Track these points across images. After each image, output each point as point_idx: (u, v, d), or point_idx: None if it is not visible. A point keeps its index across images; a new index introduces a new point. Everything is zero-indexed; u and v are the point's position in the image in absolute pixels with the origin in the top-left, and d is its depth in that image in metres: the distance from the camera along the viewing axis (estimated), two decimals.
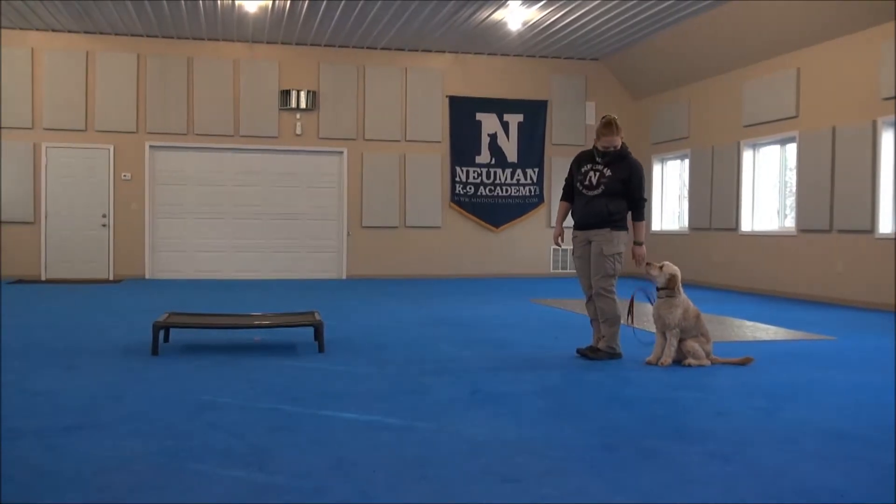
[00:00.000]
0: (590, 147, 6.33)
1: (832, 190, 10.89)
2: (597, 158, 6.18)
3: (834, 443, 3.82)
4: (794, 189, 11.92)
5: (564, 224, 6.50)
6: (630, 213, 6.21)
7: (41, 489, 3.03)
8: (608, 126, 6.08)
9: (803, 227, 11.48)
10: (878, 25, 10.11)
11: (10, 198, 13.88)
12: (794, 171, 11.83)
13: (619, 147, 6.12)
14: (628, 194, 6.13)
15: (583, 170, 6.23)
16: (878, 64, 10.11)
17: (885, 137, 10.16)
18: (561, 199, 6.58)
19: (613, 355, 6.09)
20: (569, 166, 6.47)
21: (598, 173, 6.12)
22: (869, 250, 10.31)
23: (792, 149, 12.00)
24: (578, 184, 6.22)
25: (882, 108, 10.12)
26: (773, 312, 9.69)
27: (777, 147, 12.45)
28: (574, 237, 6.31)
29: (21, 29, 13.80)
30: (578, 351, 6.22)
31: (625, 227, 6.14)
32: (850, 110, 10.64)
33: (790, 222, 12.14)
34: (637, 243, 6.21)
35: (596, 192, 6.09)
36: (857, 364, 6.11)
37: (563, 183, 6.51)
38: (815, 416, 4.37)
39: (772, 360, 6.20)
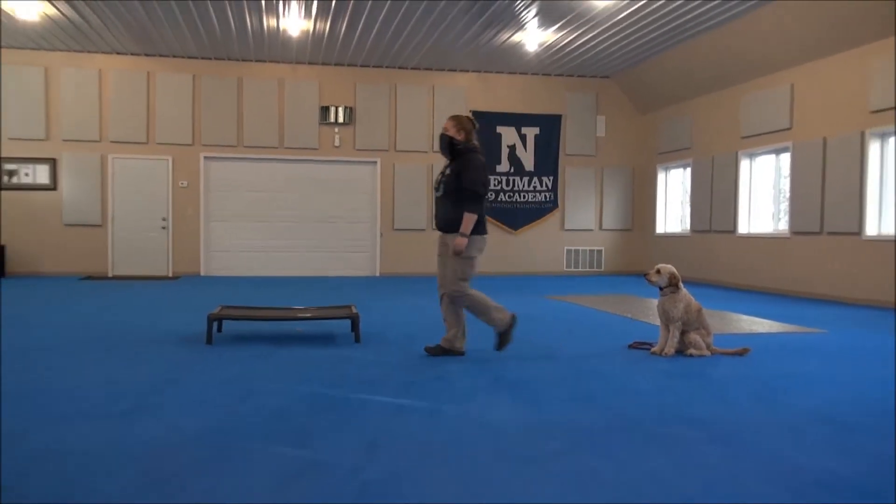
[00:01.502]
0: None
1: (823, 195, 10.76)
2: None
3: (825, 428, 3.77)
4: (787, 195, 11.79)
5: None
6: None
7: (104, 467, 3.06)
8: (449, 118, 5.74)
9: (796, 230, 11.34)
10: (868, 44, 9.98)
11: (80, 203, 14.07)
12: (788, 179, 11.70)
13: (449, 134, 5.61)
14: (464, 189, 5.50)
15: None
16: (867, 79, 9.98)
17: (873, 147, 10.02)
18: None
19: (507, 333, 5.69)
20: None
21: (442, 175, 5.68)
22: (857, 250, 10.17)
23: (786, 158, 11.86)
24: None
25: (870, 120, 9.98)
26: (768, 307, 9.58)
27: (772, 156, 12.31)
28: (439, 237, 5.80)
29: (89, 52, 13.97)
30: (427, 349, 5.80)
31: (477, 231, 5.55)
32: (841, 122, 10.50)
33: (783, 225, 12.00)
34: (461, 234, 5.47)
35: (439, 194, 5.64)
36: (846, 355, 6.02)
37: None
38: (808, 403, 4.31)
39: (767, 351, 6.12)
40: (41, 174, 13.96)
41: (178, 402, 4.17)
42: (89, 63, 14.05)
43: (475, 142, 5.71)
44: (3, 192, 13.87)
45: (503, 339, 5.76)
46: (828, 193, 10.68)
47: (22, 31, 12.68)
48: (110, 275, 14.10)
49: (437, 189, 5.69)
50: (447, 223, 5.59)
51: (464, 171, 5.50)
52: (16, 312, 8.21)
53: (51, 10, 11.50)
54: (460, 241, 5.46)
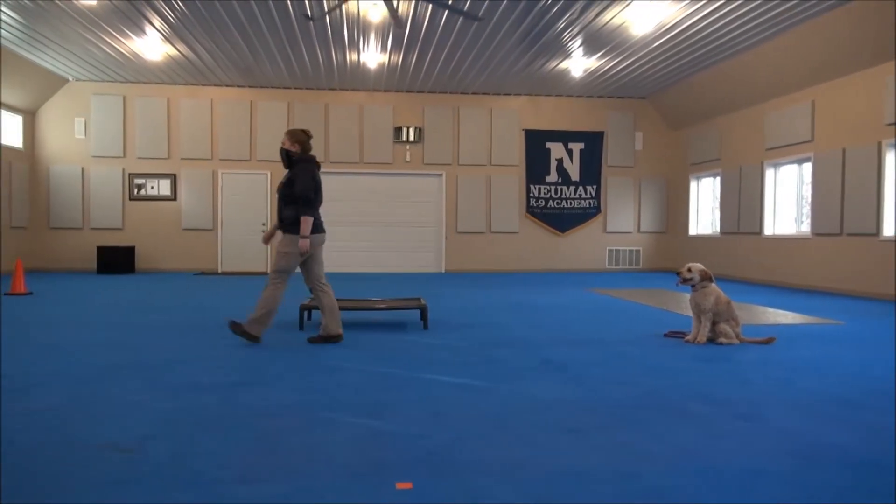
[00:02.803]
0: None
1: (842, 200, 10.34)
2: None
3: (839, 408, 3.63)
4: (808, 200, 11.37)
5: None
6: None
7: (215, 429, 3.17)
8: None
9: (817, 231, 10.93)
10: (883, 63, 9.55)
11: (195, 211, 14.55)
12: (810, 186, 11.28)
13: (285, 147, 5.47)
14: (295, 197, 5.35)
15: None
16: (882, 95, 9.55)
17: (889, 156, 9.58)
18: None
19: (251, 337, 5.35)
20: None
21: (281, 183, 5.49)
22: (874, 250, 9.74)
23: (808, 167, 11.44)
24: None
25: (886, 133, 9.54)
26: (791, 301, 9.26)
27: (795, 166, 11.89)
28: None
29: (203, 85, 14.43)
30: (310, 339, 5.57)
31: (295, 231, 5.36)
32: (858, 134, 10.07)
33: (805, 227, 11.58)
34: (300, 237, 5.34)
35: (278, 199, 5.49)
36: (860, 343, 5.78)
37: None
38: (824, 386, 4.16)
39: (789, 339, 5.93)
40: (164, 187, 14.50)
41: (275, 378, 4.26)
42: (203, 94, 14.51)
43: (311, 153, 5.58)
44: (133, 202, 14.47)
45: (239, 330, 5.40)
46: (847, 198, 10.25)
47: (149, 69, 13.20)
48: (219, 271, 14.54)
49: (278, 193, 5.50)
50: (281, 224, 5.45)
51: (296, 180, 5.35)
52: (146, 301, 8.55)
53: (172, 51, 11.93)
54: (303, 243, 5.32)
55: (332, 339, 5.56)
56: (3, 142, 13.16)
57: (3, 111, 13.13)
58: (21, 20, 10.17)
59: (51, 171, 14.20)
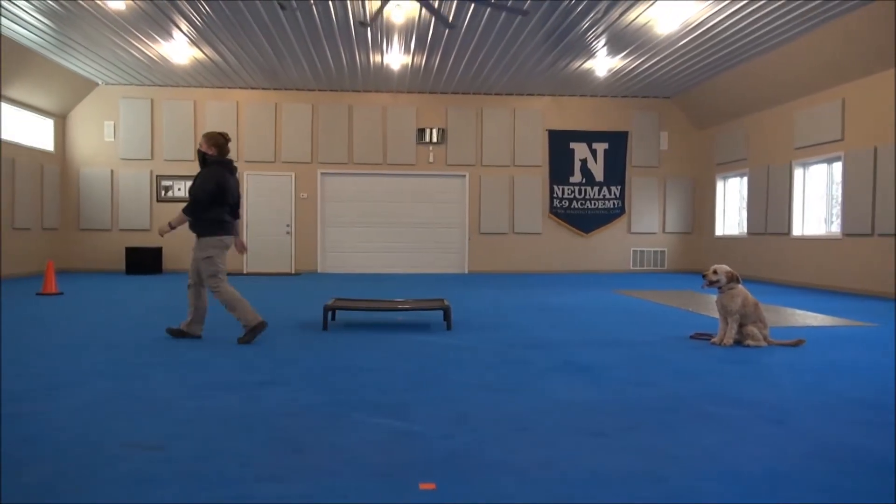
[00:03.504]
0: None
1: (873, 200, 10.13)
2: None
3: (868, 411, 3.55)
4: (839, 200, 11.15)
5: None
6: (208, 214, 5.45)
7: (239, 428, 3.19)
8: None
9: (848, 232, 10.72)
10: None
11: None
12: (840, 185, 11.07)
13: (202, 150, 5.54)
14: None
15: None
16: None
17: None
18: None
19: (255, 329, 5.47)
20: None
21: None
22: None
23: (838, 166, 11.22)
24: None
25: None
26: (820, 303, 9.09)
27: (825, 165, 11.68)
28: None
29: (228, 88, 14.58)
30: (168, 330, 5.73)
31: (210, 233, 5.45)
32: (890, 133, 9.85)
33: (836, 227, 11.36)
34: (169, 223, 5.59)
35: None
36: (892, 346, 5.64)
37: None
38: (854, 389, 4.07)
39: (819, 342, 5.82)
40: None
41: (299, 378, 4.28)
42: (228, 96, 14.67)
43: (228, 156, 5.66)
44: (161, 204, 14.66)
45: (248, 335, 5.53)
46: (879, 197, 10.04)
47: (175, 72, 13.37)
48: (245, 272, 14.66)
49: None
50: (192, 227, 5.53)
51: (197, 180, 5.44)
52: (172, 301, 8.66)
53: (199, 55, 12.08)
54: (163, 228, 5.59)
55: (183, 335, 5.67)
56: (37, 145, 13.43)
57: (36, 114, 13.40)
58: (52, 25, 10.37)
59: (81, 173, 14.44)
